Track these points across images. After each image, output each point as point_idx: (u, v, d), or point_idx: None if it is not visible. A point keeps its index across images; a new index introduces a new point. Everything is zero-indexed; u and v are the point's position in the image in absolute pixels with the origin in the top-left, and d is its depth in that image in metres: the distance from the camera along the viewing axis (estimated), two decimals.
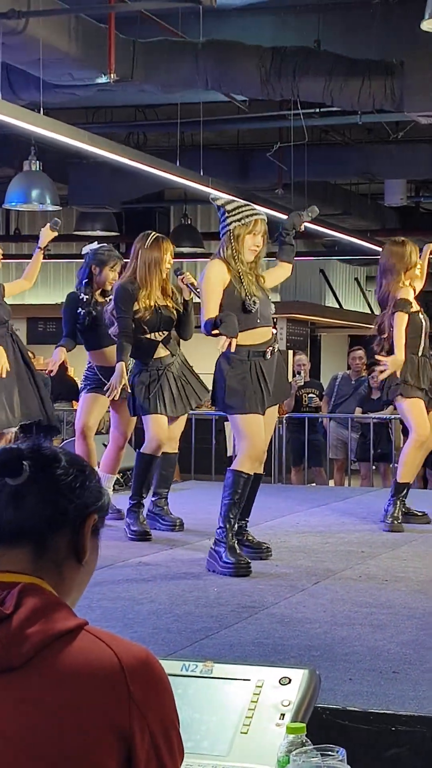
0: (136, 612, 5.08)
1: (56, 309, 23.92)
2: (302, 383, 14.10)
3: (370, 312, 21.50)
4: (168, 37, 9.59)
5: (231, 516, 6.11)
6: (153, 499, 7.57)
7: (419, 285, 7.78)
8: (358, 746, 3.41)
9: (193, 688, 2.59)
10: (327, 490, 12.02)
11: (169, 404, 7.22)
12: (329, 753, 2.10)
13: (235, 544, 6.07)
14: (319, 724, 3.34)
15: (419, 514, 7.84)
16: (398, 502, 7.62)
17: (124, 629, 4.65)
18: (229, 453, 13.08)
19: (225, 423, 13.03)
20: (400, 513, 7.62)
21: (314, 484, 13.20)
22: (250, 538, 6.45)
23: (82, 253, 8.00)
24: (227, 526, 6.08)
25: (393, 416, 13.23)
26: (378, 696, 3.77)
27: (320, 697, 2.96)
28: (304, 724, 2.35)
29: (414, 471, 7.80)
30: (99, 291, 7.83)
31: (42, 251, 8.34)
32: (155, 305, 7.21)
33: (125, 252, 19.01)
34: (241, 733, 2.50)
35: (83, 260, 7.97)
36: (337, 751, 2.10)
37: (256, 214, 6.27)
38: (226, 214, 6.26)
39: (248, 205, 6.42)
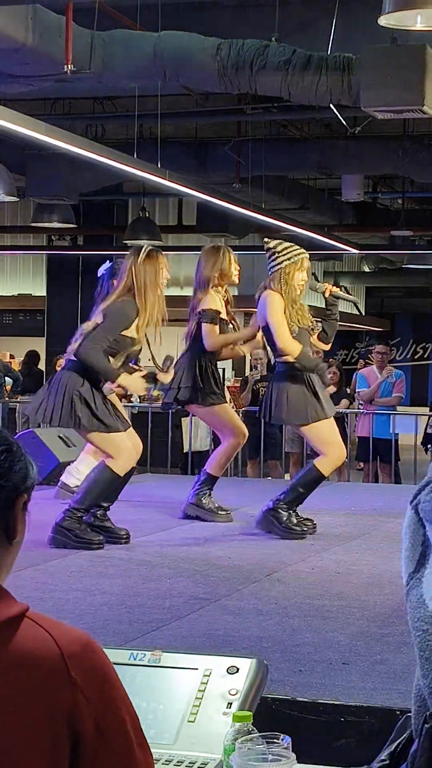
0: (88, 603, 5.09)
1: (13, 301, 23.80)
2: (259, 377, 14.11)
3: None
4: (126, 29, 9.56)
5: None
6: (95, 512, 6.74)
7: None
8: (307, 736, 3.43)
9: (140, 677, 2.59)
10: (282, 483, 12.01)
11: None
12: (274, 741, 2.11)
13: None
14: (269, 714, 3.36)
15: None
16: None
17: (76, 621, 4.64)
18: (185, 449, 13.10)
19: (182, 419, 13.05)
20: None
21: (270, 478, 13.22)
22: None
23: (99, 275, 7.85)
24: None
25: (348, 410, 13.33)
26: (327, 687, 3.79)
27: (270, 687, 2.98)
28: (250, 713, 2.37)
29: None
30: None
31: None
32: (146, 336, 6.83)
33: (83, 245, 19.08)
34: (188, 721, 2.51)
35: (100, 280, 7.90)
36: (282, 739, 2.11)
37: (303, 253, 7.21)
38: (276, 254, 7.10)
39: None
